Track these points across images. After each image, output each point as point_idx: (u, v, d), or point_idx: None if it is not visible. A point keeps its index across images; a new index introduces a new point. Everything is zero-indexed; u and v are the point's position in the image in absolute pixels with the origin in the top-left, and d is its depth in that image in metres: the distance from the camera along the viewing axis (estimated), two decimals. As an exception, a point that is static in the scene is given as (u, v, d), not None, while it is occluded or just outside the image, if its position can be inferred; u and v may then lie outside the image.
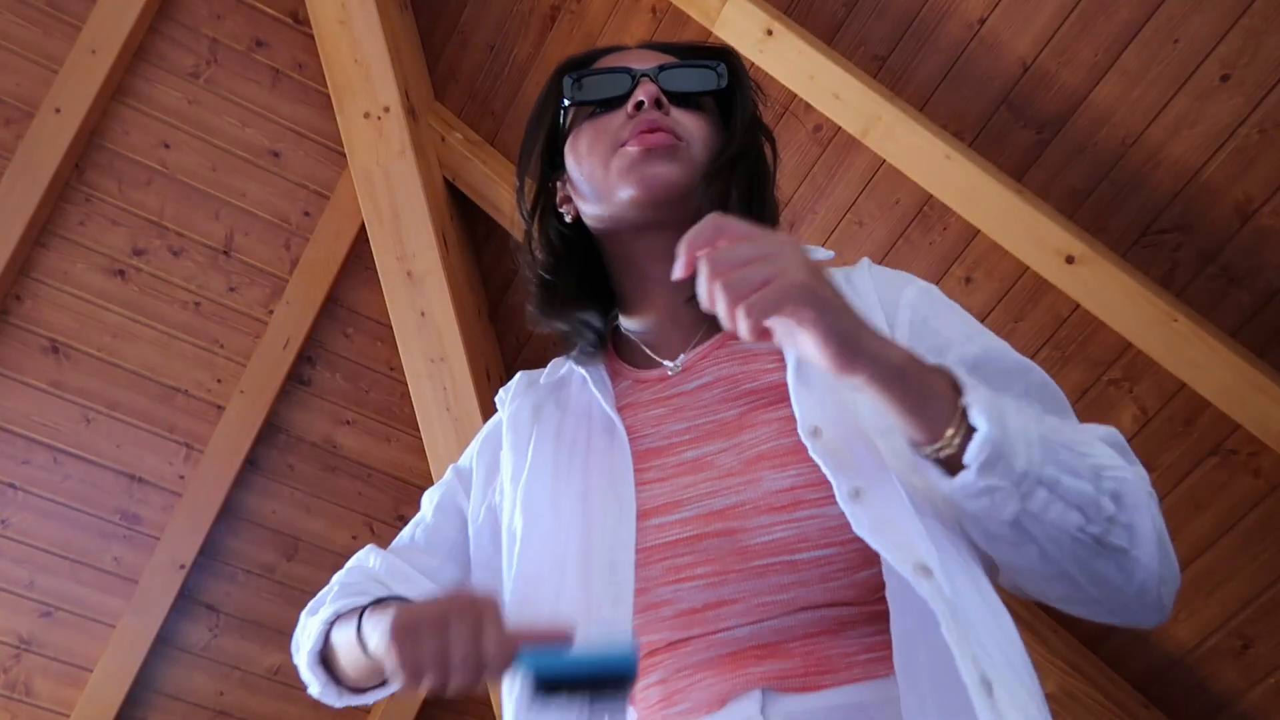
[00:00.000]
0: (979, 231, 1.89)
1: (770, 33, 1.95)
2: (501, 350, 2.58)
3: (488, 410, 2.39)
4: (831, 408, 0.83)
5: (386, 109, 2.33)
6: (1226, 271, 1.75)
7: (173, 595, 2.67)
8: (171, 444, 2.66)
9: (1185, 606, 1.91)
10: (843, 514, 0.77)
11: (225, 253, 2.61)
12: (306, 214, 2.62)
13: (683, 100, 0.96)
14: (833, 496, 0.78)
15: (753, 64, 2.02)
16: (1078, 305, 1.82)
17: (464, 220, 2.56)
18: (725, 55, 1.02)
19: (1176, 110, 1.74)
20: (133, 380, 2.62)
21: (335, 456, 2.73)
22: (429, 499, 1.06)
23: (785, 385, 0.86)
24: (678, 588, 0.82)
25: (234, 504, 2.70)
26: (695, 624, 0.81)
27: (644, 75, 0.96)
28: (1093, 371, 1.89)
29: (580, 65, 1.02)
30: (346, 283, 2.66)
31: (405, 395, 2.57)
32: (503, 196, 2.40)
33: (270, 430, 2.69)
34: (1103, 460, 0.77)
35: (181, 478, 2.67)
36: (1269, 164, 1.69)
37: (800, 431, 0.82)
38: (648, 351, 0.97)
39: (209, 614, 2.74)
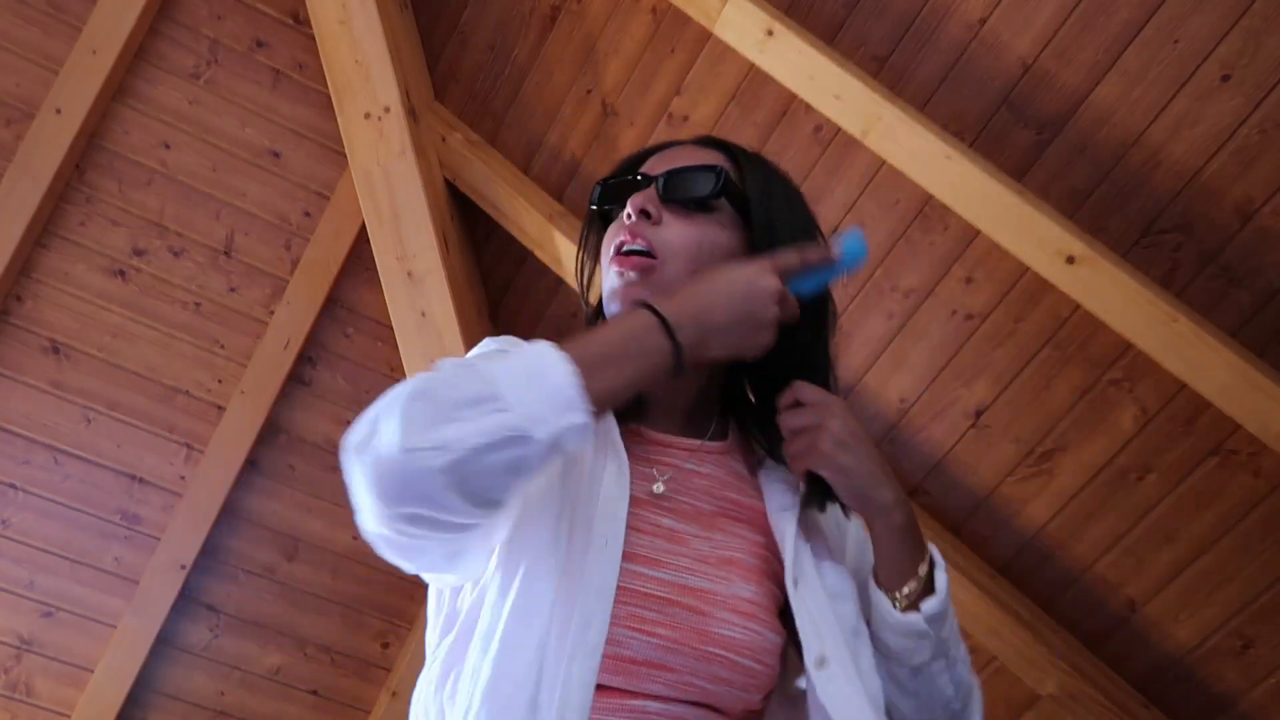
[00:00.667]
0: (979, 232, 1.89)
1: (770, 33, 1.95)
2: (502, 350, 2.58)
3: (488, 410, 2.39)
4: (808, 570, 0.95)
5: (387, 109, 2.33)
6: (1227, 272, 1.75)
7: (173, 595, 2.67)
8: (172, 444, 2.66)
9: (1186, 606, 1.91)
10: (776, 639, 0.92)
11: (226, 253, 2.61)
12: (307, 214, 2.62)
13: (688, 204, 1.00)
14: (774, 621, 0.93)
15: (753, 64, 2.02)
16: (1078, 305, 1.82)
17: (464, 220, 2.56)
18: (731, 154, 1.05)
19: (1177, 110, 1.74)
20: (133, 380, 2.63)
21: (336, 457, 2.73)
22: None
23: (763, 512, 0.99)
24: (633, 635, 0.86)
25: (234, 504, 2.70)
26: (622, 674, 0.85)
27: (644, 184, 1.01)
28: (1093, 372, 1.89)
29: (631, 164, 1.08)
30: (347, 283, 2.67)
31: (406, 395, 2.57)
32: (503, 197, 2.40)
33: (271, 430, 2.69)
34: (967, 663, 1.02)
35: (182, 478, 2.67)
36: (1269, 164, 1.69)
37: (787, 578, 0.94)
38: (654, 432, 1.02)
39: (210, 614, 2.74)
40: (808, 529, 0.99)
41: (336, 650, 2.80)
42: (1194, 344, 1.70)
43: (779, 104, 2.09)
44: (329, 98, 2.41)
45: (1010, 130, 1.88)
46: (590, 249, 1.10)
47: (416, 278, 2.37)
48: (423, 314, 2.38)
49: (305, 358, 2.68)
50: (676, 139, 1.10)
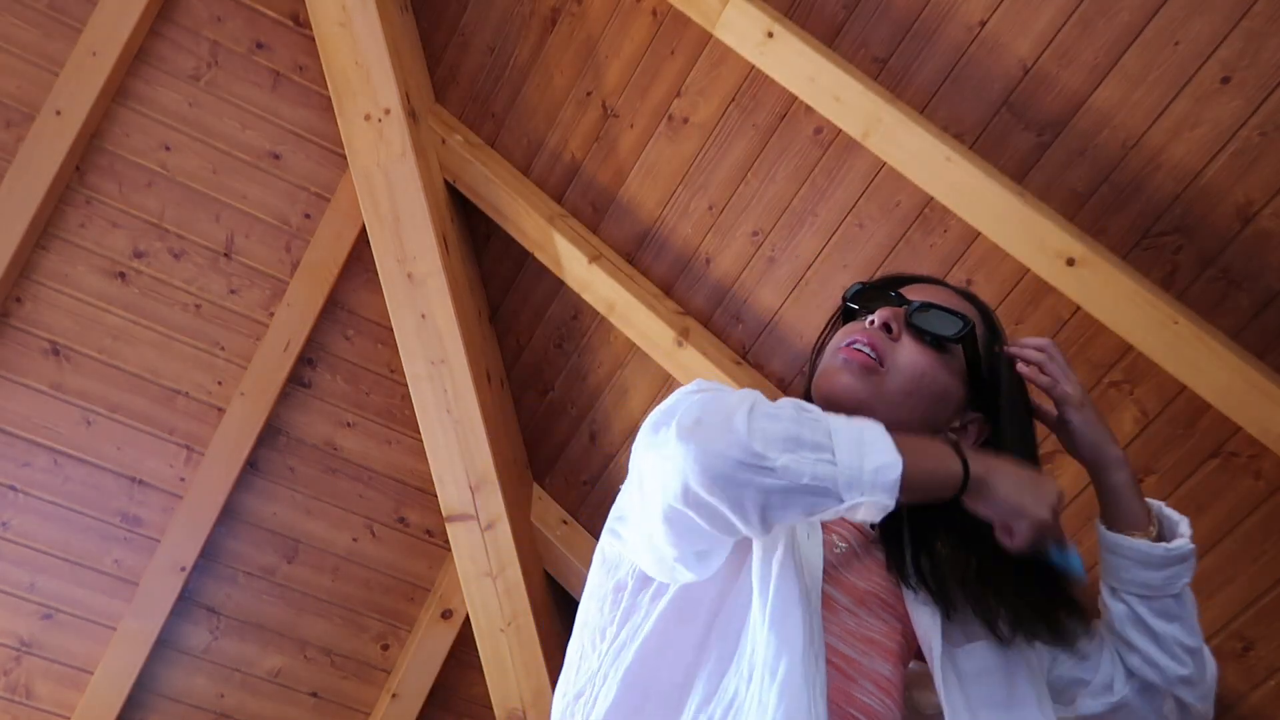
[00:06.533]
0: (979, 234, 1.89)
1: (771, 35, 1.95)
2: (502, 353, 2.58)
3: (488, 413, 2.39)
4: (942, 648, 1.04)
5: (387, 111, 2.34)
6: (1227, 274, 1.75)
7: (173, 597, 2.67)
8: (172, 446, 2.66)
9: (1186, 609, 1.91)
10: (901, 717, 1.00)
11: (226, 255, 2.62)
12: (307, 216, 2.62)
13: (926, 337, 1.08)
14: (902, 701, 1.01)
15: (753, 66, 2.02)
16: (1078, 308, 1.82)
17: (465, 223, 2.56)
18: (986, 318, 1.16)
19: (1177, 112, 1.74)
20: (133, 382, 2.63)
21: (336, 459, 2.73)
22: None
23: (900, 598, 1.07)
24: None
25: (234, 506, 2.70)
26: None
27: (899, 305, 1.10)
28: (1094, 374, 1.89)
29: (895, 281, 1.17)
30: (347, 285, 2.67)
31: (406, 397, 2.57)
32: (503, 199, 2.40)
33: (271, 432, 2.69)
34: None
35: (182, 480, 2.67)
36: (1270, 166, 1.69)
37: (925, 652, 1.03)
38: None
39: (209, 616, 2.74)
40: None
41: (336, 652, 2.79)
42: (1194, 346, 1.69)
43: (779, 106, 2.09)
44: (329, 100, 2.41)
45: (1010, 132, 1.88)
46: (831, 333, 1.18)
47: (417, 280, 2.37)
48: (423, 316, 2.38)
49: (305, 360, 2.68)
50: (946, 280, 1.20)
